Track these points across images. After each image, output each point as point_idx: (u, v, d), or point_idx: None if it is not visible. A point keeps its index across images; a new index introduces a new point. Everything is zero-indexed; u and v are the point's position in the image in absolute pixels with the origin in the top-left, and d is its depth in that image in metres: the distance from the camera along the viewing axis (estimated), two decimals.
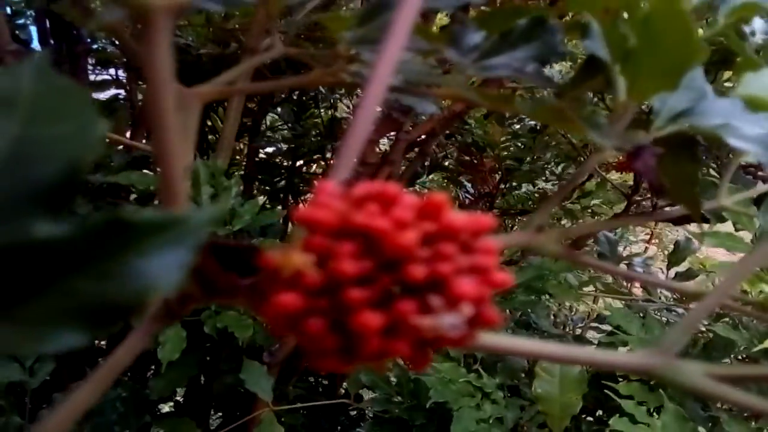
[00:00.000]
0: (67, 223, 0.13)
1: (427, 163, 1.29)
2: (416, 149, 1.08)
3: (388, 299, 0.14)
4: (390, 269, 0.14)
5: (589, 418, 0.85)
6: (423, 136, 0.97)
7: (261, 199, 1.23)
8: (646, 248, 1.73)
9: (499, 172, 1.36)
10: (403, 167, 1.06)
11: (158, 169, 0.18)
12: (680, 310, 0.93)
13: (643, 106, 0.38)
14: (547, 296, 0.80)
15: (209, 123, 1.27)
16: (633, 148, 0.26)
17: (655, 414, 0.67)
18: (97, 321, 0.13)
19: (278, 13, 0.39)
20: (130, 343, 0.22)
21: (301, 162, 1.31)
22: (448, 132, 1.16)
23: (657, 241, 1.96)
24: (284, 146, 1.29)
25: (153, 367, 0.93)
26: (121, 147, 0.90)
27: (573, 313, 1.53)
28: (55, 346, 0.12)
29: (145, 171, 0.85)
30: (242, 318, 0.69)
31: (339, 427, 1.07)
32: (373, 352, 0.14)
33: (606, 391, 0.75)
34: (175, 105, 0.18)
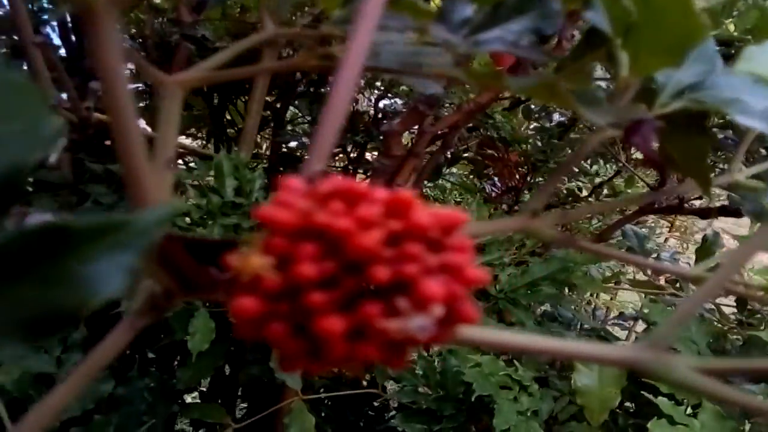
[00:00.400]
0: (4, 229, 0.12)
1: (448, 156, 1.27)
2: (437, 142, 1.07)
3: (353, 302, 0.14)
4: (354, 271, 0.14)
5: (628, 411, 0.84)
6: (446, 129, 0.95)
7: None
8: (666, 240, 1.71)
9: (525, 167, 1.34)
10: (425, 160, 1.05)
11: (123, 168, 0.17)
12: (709, 304, 0.91)
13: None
14: (567, 290, 0.78)
15: (228, 116, 1.26)
16: (630, 122, 0.25)
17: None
18: (38, 328, 0.12)
19: None
20: (115, 337, 0.22)
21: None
22: (470, 125, 1.14)
23: (678, 234, 1.93)
24: (306, 140, 1.28)
25: (179, 357, 0.93)
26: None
27: (593, 308, 1.51)
28: None
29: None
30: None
31: (362, 419, 1.07)
32: (339, 356, 0.14)
33: (642, 389, 0.75)
34: (157, 91, 0.17)
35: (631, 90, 0.29)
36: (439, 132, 0.95)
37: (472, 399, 0.72)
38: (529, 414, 0.71)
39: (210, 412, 0.81)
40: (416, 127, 0.85)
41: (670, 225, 1.73)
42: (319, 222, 0.14)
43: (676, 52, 0.28)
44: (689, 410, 0.69)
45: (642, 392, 0.74)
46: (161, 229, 0.14)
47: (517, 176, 1.37)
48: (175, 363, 0.95)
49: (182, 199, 0.74)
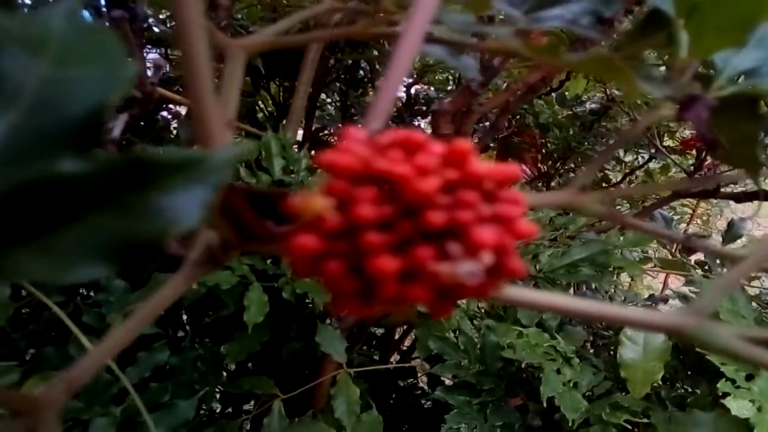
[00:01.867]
0: (91, 161, 0.13)
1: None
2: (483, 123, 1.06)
3: (407, 245, 0.14)
4: (410, 215, 0.14)
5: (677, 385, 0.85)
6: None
7: None
8: (687, 227, 1.70)
9: (556, 154, 1.34)
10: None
11: (193, 114, 0.18)
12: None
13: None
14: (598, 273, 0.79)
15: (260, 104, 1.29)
16: (685, 98, 0.24)
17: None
18: (118, 254, 0.13)
19: None
20: (173, 284, 0.23)
21: None
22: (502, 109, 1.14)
23: (700, 221, 1.92)
24: (339, 125, 1.30)
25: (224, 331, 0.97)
26: (183, 119, 0.93)
27: (626, 291, 1.49)
28: (80, 276, 0.13)
29: None
30: (319, 284, 0.71)
31: (394, 394, 1.10)
32: (390, 296, 0.14)
33: (681, 359, 0.80)
34: (219, 56, 0.19)
35: (687, 73, 0.29)
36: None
37: (523, 365, 0.75)
38: (571, 385, 0.73)
39: (259, 383, 0.83)
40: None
41: (691, 213, 1.71)
42: (379, 168, 0.14)
43: (739, 31, 0.28)
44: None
45: (685, 369, 0.78)
46: (229, 172, 0.14)
47: (549, 162, 1.37)
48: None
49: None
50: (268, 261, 0.74)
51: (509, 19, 0.28)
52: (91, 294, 0.81)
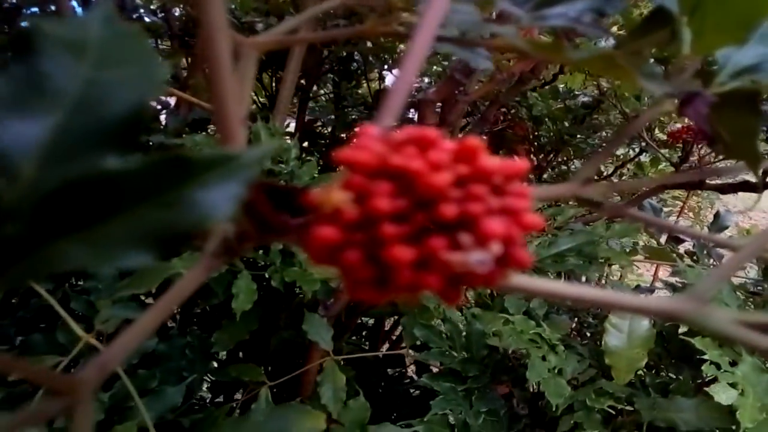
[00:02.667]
0: (134, 158, 0.15)
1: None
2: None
3: (421, 236, 0.15)
4: (424, 208, 0.15)
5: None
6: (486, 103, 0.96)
7: None
8: (677, 220, 1.73)
9: (549, 147, 1.35)
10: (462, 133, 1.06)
11: (215, 112, 0.19)
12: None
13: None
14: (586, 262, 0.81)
15: (253, 95, 1.29)
16: (685, 94, 0.25)
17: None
18: (160, 245, 0.14)
19: None
20: (192, 275, 0.24)
21: (345, 132, 1.33)
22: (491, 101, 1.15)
23: (692, 214, 1.95)
24: (333, 116, 1.30)
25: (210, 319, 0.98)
26: (172, 109, 0.94)
27: (615, 282, 1.51)
28: (123, 264, 0.14)
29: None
30: (307, 273, 0.72)
31: (383, 382, 1.12)
32: (405, 284, 0.16)
33: (665, 347, 0.82)
34: (233, 54, 0.20)
35: (689, 69, 0.30)
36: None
37: (509, 353, 0.76)
38: (556, 371, 0.75)
39: (246, 371, 0.84)
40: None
41: (681, 205, 1.74)
42: (394, 163, 0.15)
43: (740, 29, 0.29)
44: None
45: (668, 356, 0.80)
46: (259, 166, 0.16)
47: (542, 155, 1.38)
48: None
49: None
50: (260, 251, 0.75)
51: (513, 18, 0.29)
52: (80, 282, 0.82)
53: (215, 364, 0.92)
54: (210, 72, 0.19)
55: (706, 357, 0.71)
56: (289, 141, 0.81)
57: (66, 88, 0.15)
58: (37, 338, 0.72)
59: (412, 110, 1.33)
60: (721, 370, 0.70)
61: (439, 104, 0.77)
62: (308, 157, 0.81)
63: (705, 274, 0.86)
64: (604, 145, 1.40)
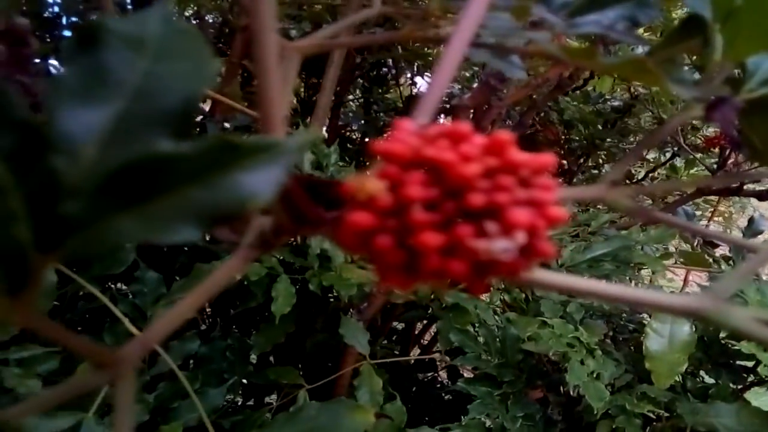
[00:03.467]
0: (185, 143, 0.16)
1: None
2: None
3: (450, 223, 0.16)
4: (453, 197, 0.16)
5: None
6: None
7: None
8: (708, 225, 1.70)
9: (580, 150, 1.35)
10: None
11: (259, 104, 0.20)
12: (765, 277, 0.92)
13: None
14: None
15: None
16: (712, 99, 0.26)
17: None
18: (206, 221, 0.15)
19: None
20: (230, 264, 0.26)
21: (376, 136, 1.34)
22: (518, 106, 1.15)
23: (722, 219, 1.92)
24: (363, 121, 1.32)
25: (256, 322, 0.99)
26: (207, 114, 0.96)
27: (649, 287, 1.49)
28: (173, 237, 0.15)
29: None
30: (344, 277, 0.74)
31: (414, 387, 1.12)
32: (432, 269, 0.16)
33: (706, 352, 0.82)
34: (277, 56, 0.21)
35: (720, 75, 0.30)
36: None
37: (551, 356, 0.78)
38: (594, 376, 0.75)
39: (284, 373, 0.86)
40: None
41: (712, 210, 1.70)
42: (427, 154, 0.16)
43: None
44: None
45: (709, 360, 0.79)
46: (301, 154, 0.17)
47: (572, 158, 1.37)
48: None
49: None
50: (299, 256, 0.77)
51: (548, 24, 0.30)
52: (123, 287, 0.85)
53: (251, 367, 0.93)
54: (257, 71, 0.20)
55: (759, 357, 0.70)
56: (329, 147, 0.82)
57: (126, 79, 0.16)
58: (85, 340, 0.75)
59: (443, 117, 1.35)
60: None
61: (473, 110, 0.78)
62: (341, 162, 0.83)
63: (731, 274, 0.84)
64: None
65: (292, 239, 0.77)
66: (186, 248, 0.91)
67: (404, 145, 0.17)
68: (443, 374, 1.22)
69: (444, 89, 0.23)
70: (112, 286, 0.85)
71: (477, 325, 0.87)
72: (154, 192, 0.15)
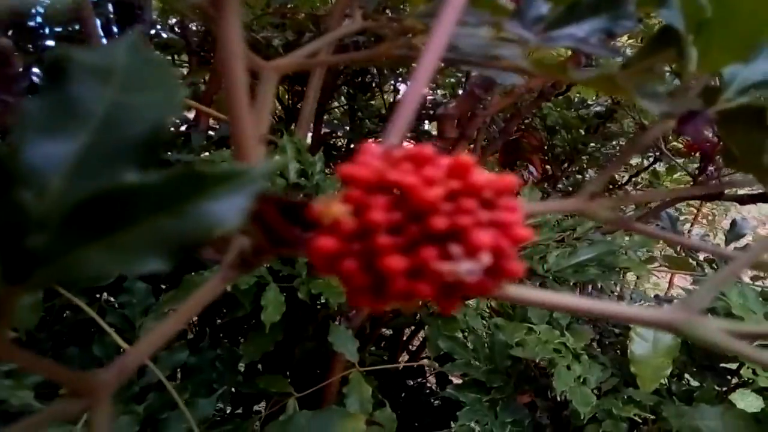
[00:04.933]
0: (152, 173, 0.16)
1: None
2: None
3: (414, 246, 0.17)
4: (417, 220, 0.17)
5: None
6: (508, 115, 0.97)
7: None
8: (691, 227, 1.71)
9: (563, 156, 1.36)
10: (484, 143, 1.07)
11: (231, 129, 0.21)
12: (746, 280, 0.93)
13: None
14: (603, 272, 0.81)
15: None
16: (684, 113, 0.26)
17: None
18: (174, 251, 0.16)
19: None
20: (210, 284, 0.26)
21: (359, 143, 1.34)
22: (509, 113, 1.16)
23: (705, 221, 1.94)
24: (347, 127, 1.33)
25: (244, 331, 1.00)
26: (191, 124, 0.96)
27: (631, 292, 1.50)
28: (141, 268, 0.15)
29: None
30: (333, 285, 0.74)
31: (403, 393, 1.12)
32: (399, 292, 0.17)
33: (690, 355, 0.83)
34: (254, 74, 0.21)
35: (696, 86, 0.31)
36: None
37: (531, 363, 0.77)
38: (581, 381, 0.76)
39: (274, 382, 0.85)
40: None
41: (695, 212, 1.71)
42: (390, 178, 0.17)
43: (743, 48, 0.29)
44: None
45: (693, 364, 0.81)
46: (266, 181, 0.17)
47: (556, 164, 1.39)
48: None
49: None
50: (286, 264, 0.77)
51: (521, 39, 0.30)
52: (111, 299, 0.85)
53: (241, 377, 0.93)
54: (226, 95, 0.20)
55: (731, 366, 0.71)
56: (313, 155, 0.82)
57: (93, 110, 0.17)
58: (73, 351, 0.75)
59: (427, 123, 1.35)
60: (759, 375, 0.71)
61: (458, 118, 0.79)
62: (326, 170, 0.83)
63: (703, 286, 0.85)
64: (618, 154, 1.40)
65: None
66: None
67: (368, 169, 0.17)
68: (432, 380, 1.23)
69: (415, 106, 0.23)
70: (100, 297, 0.85)
71: (466, 331, 0.87)
72: (122, 223, 0.16)
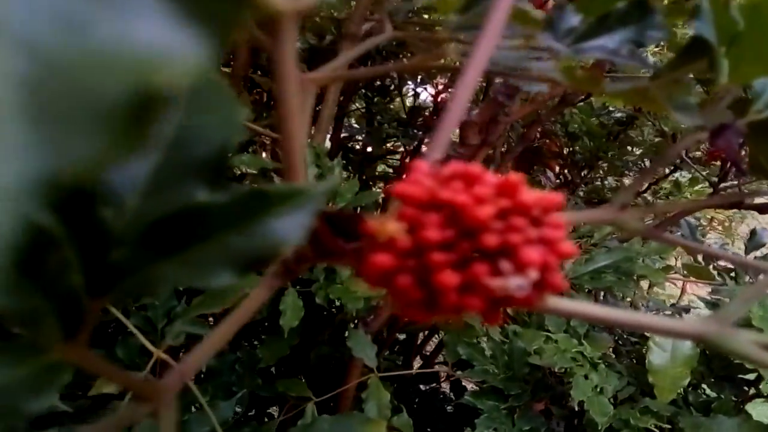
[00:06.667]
0: (221, 192, 0.17)
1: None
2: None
3: (466, 262, 0.17)
4: (469, 237, 0.17)
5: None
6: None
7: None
8: (707, 233, 1.69)
9: (583, 163, 1.36)
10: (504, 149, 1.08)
11: (282, 148, 0.22)
12: None
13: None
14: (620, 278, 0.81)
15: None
16: (716, 126, 0.27)
17: None
18: (242, 266, 0.17)
19: None
20: (256, 294, 0.27)
21: (378, 148, 1.33)
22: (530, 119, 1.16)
23: (721, 227, 1.91)
24: (364, 131, 1.33)
25: (261, 335, 1.01)
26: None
27: (647, 300, 1.50)
28: (212, 282, 0.16)
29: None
30: (351, 290, 0.74)
31: (417, 398, 1.13)
32: (450, 306, 0.18)
33: (708, 366, 0.84)
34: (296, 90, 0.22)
35: (727, 98, 0.31)
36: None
37: (555, 370, 0.78)
38: (598, 390, 0.76)
39: (292, 385, 0.86)
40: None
41: (710, 219, 1.70)
42: (443, 197, 0.17)
43: None
44: None
45: (711, 374, 0.80)
46: (324, 199, 0.18)
47: (575, 170, 1.38)
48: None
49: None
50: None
51: (553, 51, 0.31)
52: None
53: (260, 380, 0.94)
54: (279, 113, 0.21)
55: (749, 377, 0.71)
56: (330, 161, 0.83)
57: (163, 132, 0.18)
58: (96, 354, 0.76)
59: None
60: None
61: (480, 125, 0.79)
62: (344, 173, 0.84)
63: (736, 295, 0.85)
64: (639, 162, 1.39)
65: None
66: None
67: (420, 188, 0.18)
68: (445, 385, 1.23)
69: (457, 122, 0.24)
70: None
71: (485, 338, 0.88)
72: (194, 240, 0.17)
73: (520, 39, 0.32)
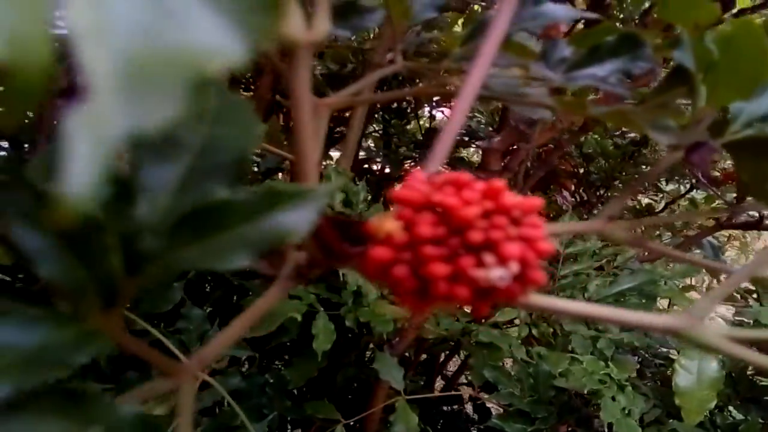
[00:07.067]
0: (239, 190, 0.20)
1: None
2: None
3: (455, 256, 0.20)
4: (457, 234, 0.20)
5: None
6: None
7: None
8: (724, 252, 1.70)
9: (599, 183, 1.38)
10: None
11: (297, 168, 0.24)
12: None
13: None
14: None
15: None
16: (691, 144, 0.29)
17: None
18: (255, 251, 0.19)
19: (403, 31, 0.45)
20: (269, 295, 0.29)
21: (396, 169, 1.36)
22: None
23: (737, 243, 1.91)
24: (382, 153, 1.36)
25: (285, 357, 1.02)
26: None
27: None
28: (229, 265, 0.19)
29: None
30: (379, 313, 0.76)
31: (441, 420, 1.13)
32: (441, 294, 0.20)
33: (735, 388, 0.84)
34: (312, 119, 0.25)
35: (706, 119, 0.34)
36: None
37: (584, 393, 0.78)
38: (626, 412, 0.76)
39: (321, 408, 0.86)
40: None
41: (727, 237, 1.69)
42: (435, 199, 0.20)
43: (748, 86, 0.32)
44: None
45: (737, 396, 0.79)
46: (327, 199, 0.20)
47: (591, 190, 1.40)
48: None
49: None
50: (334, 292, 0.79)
51: (546, 79, 0.33)
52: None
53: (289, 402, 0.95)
54: (295, 135, 0.24)
55: None
56: (357, 184, 0.86)
57: (192, 141, 0.21)
58: (132, 376, 0.77)
59: (461, 148, 1.38)
60: None
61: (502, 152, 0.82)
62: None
63: (705, 297, 0.85)
64: (655, 182, 1.41)
65: (328, 276, 0.80)
66: (222, 285, 0.94)
67: (416, 192, 0.20)
68: (468, 407, 1.23)
69: (453, 139, 0.27)
70: (158, 323, 0.88)
71: (510, 360, 0.87)
72: (214, 229, 0.19)
73: (516, 68, 0.35)
